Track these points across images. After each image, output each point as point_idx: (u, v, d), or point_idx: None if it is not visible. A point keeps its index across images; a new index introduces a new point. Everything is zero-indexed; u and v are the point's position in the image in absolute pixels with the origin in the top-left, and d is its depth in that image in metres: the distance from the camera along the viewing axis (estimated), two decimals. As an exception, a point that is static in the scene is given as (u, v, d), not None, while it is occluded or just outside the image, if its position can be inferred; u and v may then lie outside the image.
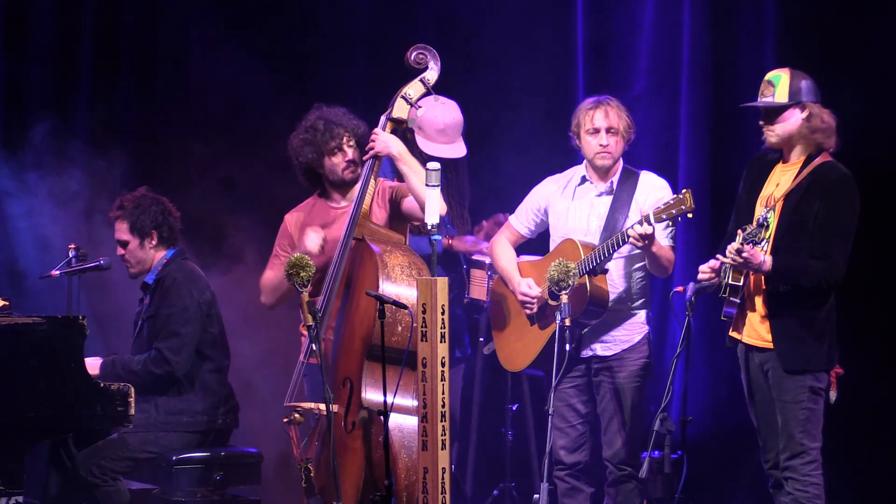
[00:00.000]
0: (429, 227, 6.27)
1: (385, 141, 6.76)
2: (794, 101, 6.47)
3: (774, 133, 6.52)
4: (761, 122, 6.53)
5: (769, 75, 6.54)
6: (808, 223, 6.39)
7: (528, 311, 7.01)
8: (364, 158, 6.85)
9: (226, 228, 8.66)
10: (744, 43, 8.41)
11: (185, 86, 9.21)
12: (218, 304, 7.47)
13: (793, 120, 6.49)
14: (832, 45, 8.05)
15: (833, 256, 6.36)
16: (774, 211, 6.43)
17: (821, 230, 6.37)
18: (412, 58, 6.74)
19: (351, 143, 6.93)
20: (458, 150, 7.50)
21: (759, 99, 6.54)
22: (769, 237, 6.43)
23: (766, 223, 6.34)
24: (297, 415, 6.57)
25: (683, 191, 6.60)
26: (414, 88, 6.77)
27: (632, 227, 6.66)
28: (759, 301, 6.49)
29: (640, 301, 7.02)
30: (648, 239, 6.64)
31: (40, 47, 9.05)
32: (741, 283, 6.44)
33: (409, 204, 6.81)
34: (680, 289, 6.67)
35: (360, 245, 6.70)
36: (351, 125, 6.95)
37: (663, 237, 6.86)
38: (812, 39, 8.10)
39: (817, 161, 6.47)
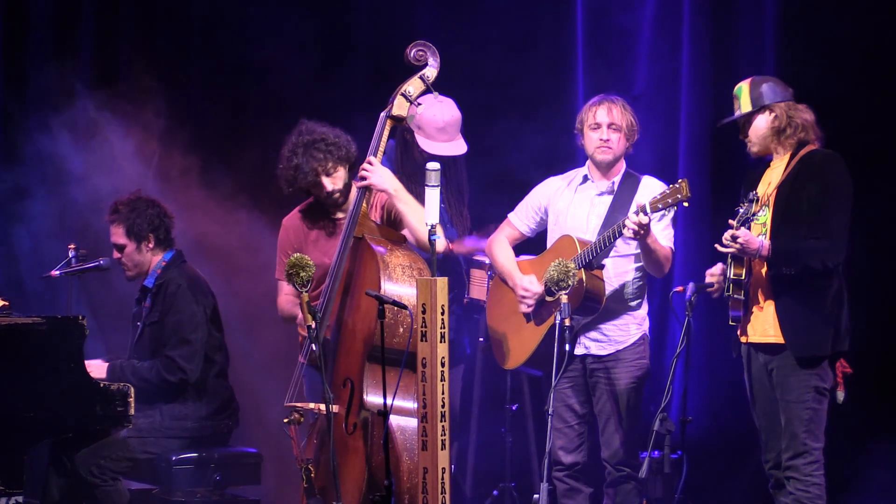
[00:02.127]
0: (429, 227, 6.27)
1: (381, 176, 6.69)
2: (757, 106, 6.57)
3: (752, 142, 6.62)
4: (741, 137, 6.65)
5: (735, 89, 6.67)
6: (801, 207, 6.44)
7: (523, 309, 7.01)
8: (356, 185, 6.76)
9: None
10: (744, 43, 8.41)
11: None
12: (218, 307, 7.49)
13: (758, 124, 6.60)
14: (832, 45, 8.05)
15: (832, 235, 6.40)
16: (769, 206, 6.47)
17: (816, 212, 6.42)
18: (412, 55, 6.71)
19: (335, 170, 6.80)
20: (458, 147, 7.49)
21: (734, 114, 6.64)
22: (765, 232, 6.45)
23: (755, 198, 6.39)
24: (296, 415, 6.57)
25: (680, 180, 6.63)
26: (414, 85, 6.74)
27: (628, 216, 6.67)
28: (762, 293, 6.50)
29: (637, 301, 7.02)
30: (644, 229, 6.64)
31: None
32: (743, 277, 6.46)
33: (406, 233, 6.77)
34: (680, 289, 6.68)
35: (361, 244, 6.68)
36: (333, 155, 6.80)
37: (662, 238, 6.86)
38: (812, 40, 8.10)
39: (802, 152, 6.53)
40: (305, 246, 6.89)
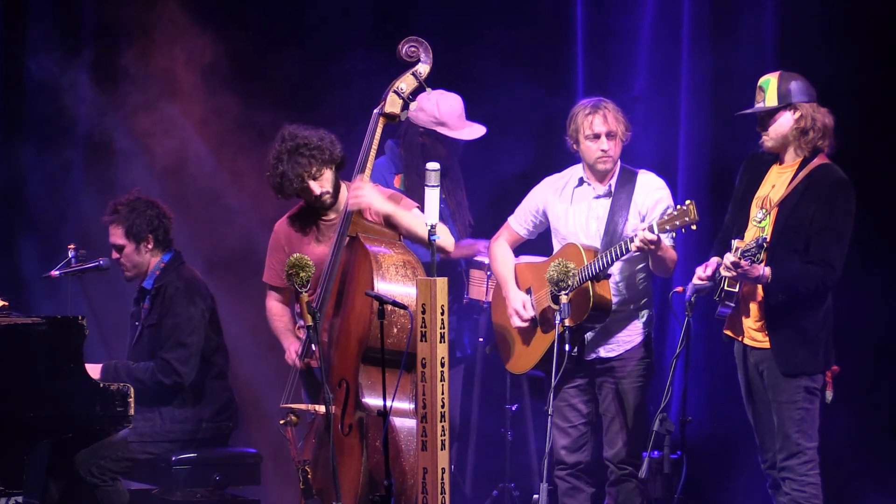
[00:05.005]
0: (428, 227, 6.26)
1: (369, 195, 6.64)
2: (784, 103, 6.47)
3: (769, 138, 6.53)
4: (758, 129, 6.55)
5: (760, 80, 6.55)
6: (803, 228, 6.39)
7: (515, 323, 6.98)
8: (347, 209, 6.69)
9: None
10: (744, 42, 8.41)
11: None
12: (217, 309, 7.48)
13: (783, 122, 6.50)
14: (832, 47, 8.05)
15: (830, 261, 6.36)
16: (770, 215, 6.44)
17: (817, 235, 6.37)
18: (404, 51, 6.68)
19: (320, 173, 6.74)
20: (478, 129, 7.60)
21: (754, 105, 6.54)
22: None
23: (765, 244, 6.31)
24: (292, 416, 6.57)
25: (687, 202, 6.57)
26: (406, 82, 6.71)
27: (635, 234, 6.65)
28: (755, 307, 6.50)
29: (643, 301, 7.02)
30: (655, 245, 6.63)
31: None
32: (736, 290, 6.44)
33: (406, 234, 6.77)
34: (679, 289, 6.67)
35: (354, 243, 6.67)
36: (317, 159, 6.72)
37: (664, 237, 6.85)
38: (812, 40, 8.10)
39: (814, 164, 6.47)
40: (296, 251, 6.83)
